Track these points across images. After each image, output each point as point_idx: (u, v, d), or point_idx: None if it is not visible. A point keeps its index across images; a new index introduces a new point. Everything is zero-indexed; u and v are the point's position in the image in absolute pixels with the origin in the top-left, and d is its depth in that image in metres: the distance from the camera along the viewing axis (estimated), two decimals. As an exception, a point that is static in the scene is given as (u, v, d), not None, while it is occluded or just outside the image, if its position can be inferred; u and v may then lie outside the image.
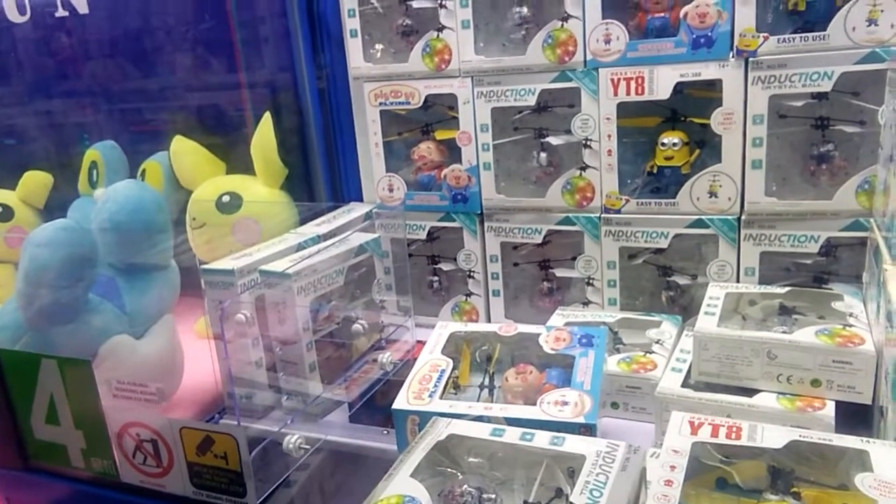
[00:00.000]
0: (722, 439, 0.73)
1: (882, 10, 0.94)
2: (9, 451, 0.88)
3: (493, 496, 0.71)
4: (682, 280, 1.17)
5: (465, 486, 0.71)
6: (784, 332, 0.91)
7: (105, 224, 1.08)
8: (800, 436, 0.73)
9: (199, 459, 0.69)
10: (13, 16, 1.56)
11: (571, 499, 0.68)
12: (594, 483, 0.70)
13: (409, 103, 1.25)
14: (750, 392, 0.88)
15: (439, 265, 1.34)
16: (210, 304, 1.03)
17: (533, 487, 0.74)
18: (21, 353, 0.93)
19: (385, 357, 1.07)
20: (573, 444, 0.77)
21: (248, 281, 1.02)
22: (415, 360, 0.99)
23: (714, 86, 1.05)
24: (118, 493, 0.76)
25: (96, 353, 1.00)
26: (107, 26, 1.54)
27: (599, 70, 1.10)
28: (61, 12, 1.51)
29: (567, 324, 1.10)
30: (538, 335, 1.00)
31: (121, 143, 1.50)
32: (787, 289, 1.04)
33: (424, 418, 0.86)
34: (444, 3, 1.17)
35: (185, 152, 1.36)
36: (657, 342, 1.05)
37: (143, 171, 1.43)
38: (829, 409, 0.84)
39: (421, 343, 1.05)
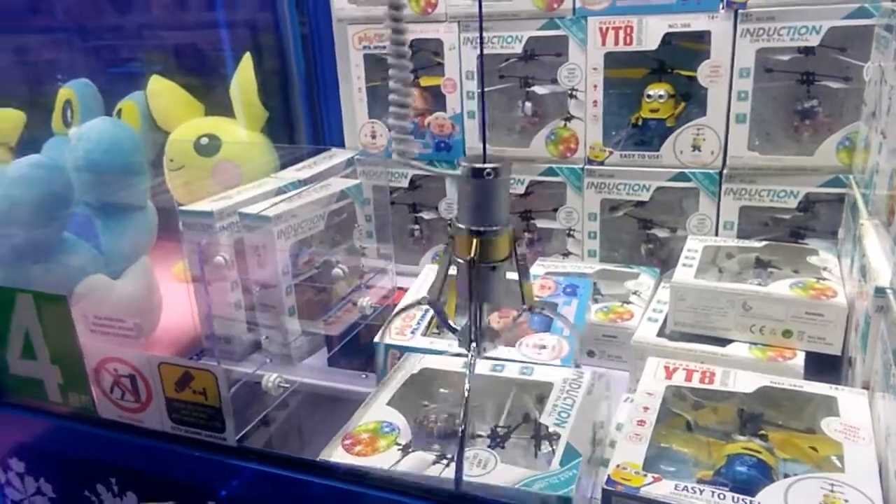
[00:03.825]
0: (695, 383, 0.75)
1: (873, -36, 0.93)
2: (-16, 387, 0.88)
3: (467, 424, 0.72)
4: (661, 233, 1.18)
5: (440, 412, 0.73)
6: (759, 285, 0.93)
7: (80, 162, 1.05)
8: (771, 381, 0.75)
9: (178, 395, 0.69)
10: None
11: (541, 420, 0.70)
12: (562, 406, 0.72)
13: (393, 47, 1.23)
14: (723, 342, 0.90)
15: (421, 214, 1.33)
16: (188, 245, 1.02)
17: (503, 414, 0.76)
18: (-5, 288, 0.92)
19: (364, 300, 1.07)
20: (541, 372, 0.79)
21: (227, 223, 1.01)
22: (394, 305, 0.99)
23: (702, 38, 1.04)
24: (96, 429, 0.77)
25: (72, 292, 0.98)
26: (82, -40, 1.49)
27: (588, 19, 1.08)
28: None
29: (547, 274, 1.10)
30: (520, 283, 1.00)
31: (96, 82, 1.46)
32: (764, 243, 1.06)
33: (406, 353, 0.87)
34: (431, -57, 1.15)
35: (163, 92, 1.33)
36: (635, 293, 1.06)
37: (119, 110, 1.40)
38: (799, 359, 0.86)
39: (401, 290, 1.05)
